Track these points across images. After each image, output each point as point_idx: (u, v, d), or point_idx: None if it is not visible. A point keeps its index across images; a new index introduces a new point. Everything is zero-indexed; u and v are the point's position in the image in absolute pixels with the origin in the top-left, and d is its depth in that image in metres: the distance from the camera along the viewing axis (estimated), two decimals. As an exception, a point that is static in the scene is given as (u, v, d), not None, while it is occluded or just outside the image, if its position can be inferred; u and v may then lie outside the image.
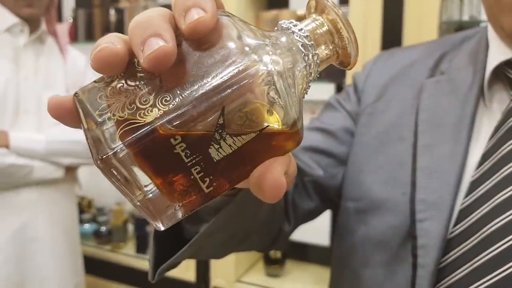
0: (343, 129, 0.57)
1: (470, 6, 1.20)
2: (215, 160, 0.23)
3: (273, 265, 1.50)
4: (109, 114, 0.22)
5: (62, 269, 1.25)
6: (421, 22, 1.12)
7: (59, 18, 2.03)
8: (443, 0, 1.16)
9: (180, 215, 0.25)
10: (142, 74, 0.23)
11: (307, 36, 0.25)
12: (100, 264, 1.74)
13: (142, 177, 0.23)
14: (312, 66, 0.26)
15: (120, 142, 0.21)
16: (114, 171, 0.22)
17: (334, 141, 0.56)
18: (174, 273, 1.57)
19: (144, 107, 0.22)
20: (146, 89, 0.22)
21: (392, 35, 1.15)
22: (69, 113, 0.24)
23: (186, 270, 1.54)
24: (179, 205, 0.24)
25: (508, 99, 0.46)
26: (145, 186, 0.23)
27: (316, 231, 1.56)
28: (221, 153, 0.23)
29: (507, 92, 0.46)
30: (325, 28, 0.26)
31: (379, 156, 0.51)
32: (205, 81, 0.22)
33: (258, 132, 0.23)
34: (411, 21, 1.13)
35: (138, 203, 0.23)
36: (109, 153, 0.21)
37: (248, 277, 1.51)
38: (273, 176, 0.23)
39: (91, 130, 0.22)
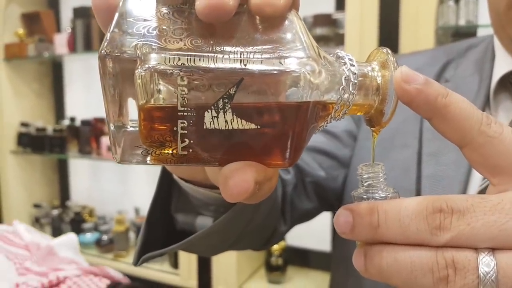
0: (347, 132, 0.57)
1: (466, 11, 1.21)
2: (204, 127, 0.22)
3: (275, 272, 1.50)
4: (141, 28, 0.22)
5: None
6: (417, 28, 1.13)
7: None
8: (439, 5, 1.17)
9: (145, 161, 0.23)
10: (191, 15, 0.22)
11: (355, 74, 0.24)
12: (102, 273, 1.74)
13: (131, 109, 0.22)
14: (342, 102, 0.24)
15: (132, 51, 0.21)
16: (110, 75, 0.21)
17: (337, 143, 0.56)
18: (176, 281, 1.57)
19: (173, 36, 0.21)
20: (185, 26, 0.22)
21: (388, 41, 1.16)
22: (111, 11, 0.23)
23: (188, 278, 1.54)
24: (148, 151, 0.23)
25: None
26: (130, 118, 0.23)
27: (317, 236, 1.56)
28: (214, 124, 0.22)
29: None
30: (376, 81, 0.25)
31: (383, 162, 0.51)
32: (241, 49, 0.21)
33: (258, 127, 0.22)
34: (408, 27, 1.14)
35: (113, 127, 0.23)
36: (115, 52, 0.21)
37: (250, 284, 1.51)
38: (244, 177, 0.23)
39: (114, 32, 0.21)
